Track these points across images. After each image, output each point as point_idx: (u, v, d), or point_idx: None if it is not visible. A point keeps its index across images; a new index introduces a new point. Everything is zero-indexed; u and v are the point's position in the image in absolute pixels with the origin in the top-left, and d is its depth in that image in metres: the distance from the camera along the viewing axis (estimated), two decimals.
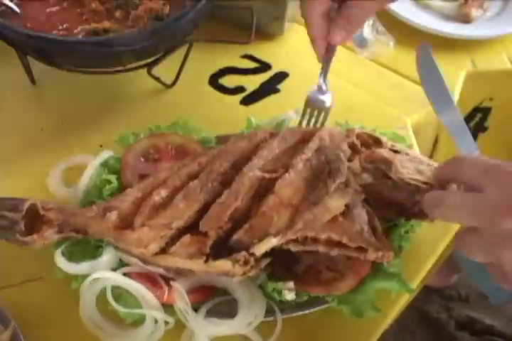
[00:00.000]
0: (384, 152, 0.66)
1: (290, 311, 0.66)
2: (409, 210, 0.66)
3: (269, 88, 0.88)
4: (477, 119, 1.01)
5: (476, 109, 0.98)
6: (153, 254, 0.63)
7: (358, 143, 0.68)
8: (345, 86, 0.90)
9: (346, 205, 0.64)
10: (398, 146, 0.69)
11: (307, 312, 0.66)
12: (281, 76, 0.89)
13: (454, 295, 1.62)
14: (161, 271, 0.64)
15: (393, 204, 0.67)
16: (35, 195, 0.76)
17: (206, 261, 0.62)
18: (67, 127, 0.83)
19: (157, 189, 0.67)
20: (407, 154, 0.68)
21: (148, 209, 0.65)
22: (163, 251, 0.64)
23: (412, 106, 0.88)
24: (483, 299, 1.56)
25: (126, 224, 0.66)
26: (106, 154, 0.75)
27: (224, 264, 0.61)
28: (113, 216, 0.65)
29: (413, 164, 0.66)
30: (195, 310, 0.64)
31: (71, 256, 0.66)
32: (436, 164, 0.67)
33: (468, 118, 0.99)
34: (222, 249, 0.63)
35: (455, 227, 0.78)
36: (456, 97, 0.90)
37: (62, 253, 0.66)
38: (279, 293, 0.65)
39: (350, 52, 0.95)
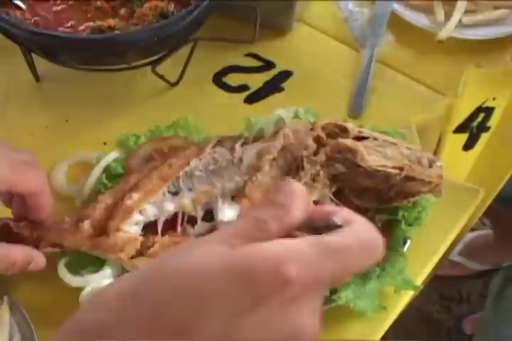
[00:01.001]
0: (348, 142, 0.66)
1: None
2: (386, 195, 0.67)
3: (273, 87, 0.89)
4: (480, 119, 1.01)
5: (480, 109, 0.98)
6: (130, 258, 0.63)
7: (323, 135, 0.68)
8: (347, 84, 0.90)
9: (315, 202, 0.65)
10: (366, 132, 0.69)
11: None
12: (285, 74, 0.90)
13: (455, 296, 1.62)
14: None
15: (370, 191, 0.67)
16: None
17: None
18: (72, 124, 0.83)
19: (128, 193, 0.66)
20: (375, 139, 0.68)
21: (121, 214, 0.65)
22: (140, 254, 0.63)
23: (415, 106, 0.88)
24: (484, 299, 1.57)
25: (100, 232, 0.65)
26: (114, 154, 0.75)
27: None
28: (86, 225, 0.65)
29: (380, 149, 0.66)
30: None
31: (75, 266, 0.66)
32: (403, 146, 0.67)
33: (471, 118, 0.99)
34: None
35: (457, 227, 0.78)
36: (459, 97, 0.90)
37: (66, 265, 0.66)
38: None
39: (352, 51, 0.95)
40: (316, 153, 0.67)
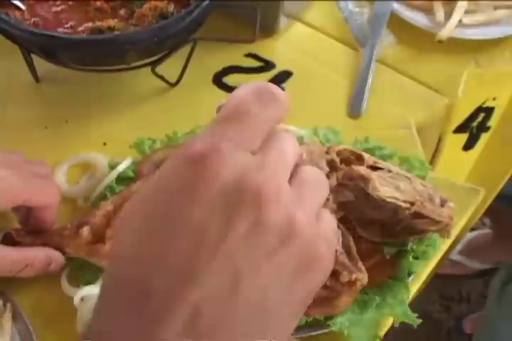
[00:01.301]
0: (361, 169, 0.64)
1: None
2: (392, 229, 0.65)
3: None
4: (480, 119, 1.01)
5: (479, 109, 0.98)
6: None
7: (337, 160, 0.66)
8: (347, 85, 0.90)
9: None
10: (382, 163, 0.68)
11: (308, 335, 0.65)
12: (286, 75, 0.90)
13: (455, 295, 1.62)
14: None
15: (376, 223, 0.66)
16: None
17: None
18: (71, 125, 0.83)
19: (127, 201, 0.66)
20: (389, 171, 0.66)
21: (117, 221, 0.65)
22: None
23: (415, 106, 0.88)
24: (484, 299, 1.57)
25: (99, 238, 0.65)
26: (130, 160, 0.74)
27: None
28: (85, 231, 0.65)
29: (394, 181, 0.65)
30: None
31: (76, 278, 0.67)
32: (417, 181, 0.66)
33: (471, 118, 0.99)
34: None
35: (458, 227, 0.78)
36: (459, 97, 0.90)
37: (68, 276, 0.67)
38: None
39: (352, 51, 0.95)
40: (327, 177, 0.66)
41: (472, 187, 0.80)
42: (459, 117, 0.97)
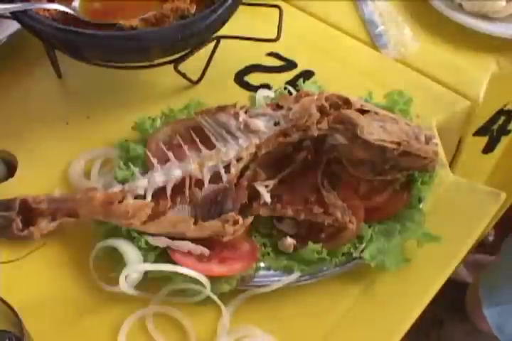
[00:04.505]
0: (350, 113, 0.68)
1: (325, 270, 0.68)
2: (380, 167, 0.69)
3: (293, 86, 0.88)
4: (500, 122, 1.01)
5: (500, 112, 0.98)
6: (142, 223, 0.66)
7: (327, 105, 0.71)
8: (369, 86, 0.89)
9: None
10: (368, 106, 0.72)
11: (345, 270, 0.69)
12: (307, 75, 0.89)
13: None
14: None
15: (365, 163, 0.69)
16: (56, 186, 0.76)
17: (195, 223, 0.65)
18: (93, 121, 0.84)
19: None
20: (376, 113, 0.70)
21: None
22: (151, 219, 0.66)
23: (436, 107, 0.88)
24: None
25: (112, 200, 0.68)
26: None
27: (214, 225, 0.65)
28: (98, 193, 0.68)
29: (380, 123, 0.69)
30: None
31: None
32: (402, 121, 0.69)
33: (491, 121, 0.98)
34: (210, 212, 0.67)
35: (479, 229, 0.77)
36: (481, 99, 0.90)
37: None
38: None
39: (375, 52, 0.95)
40: (319, 122, 0.69)
41: (493, 191, 0.80)
42: (480, 120, 0.97)
